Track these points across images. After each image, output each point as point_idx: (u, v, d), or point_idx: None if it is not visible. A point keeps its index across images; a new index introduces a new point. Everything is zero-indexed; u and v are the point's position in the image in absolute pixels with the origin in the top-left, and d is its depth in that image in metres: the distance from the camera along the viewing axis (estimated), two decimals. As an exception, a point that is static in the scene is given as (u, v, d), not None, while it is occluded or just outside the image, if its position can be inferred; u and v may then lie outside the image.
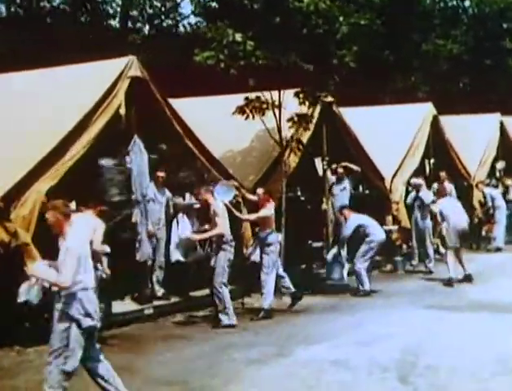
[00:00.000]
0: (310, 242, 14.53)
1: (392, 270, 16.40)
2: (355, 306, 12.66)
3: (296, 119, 13.41)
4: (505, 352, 9.20)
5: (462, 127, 21.99)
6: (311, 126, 14.41)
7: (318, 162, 15.11)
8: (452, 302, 12.78)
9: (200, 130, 13.68)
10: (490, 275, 15.59)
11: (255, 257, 12.52)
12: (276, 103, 13.16)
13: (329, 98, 14.75)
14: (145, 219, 11.41)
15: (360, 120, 17.53)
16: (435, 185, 18.60)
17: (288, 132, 13.69)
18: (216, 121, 14.23)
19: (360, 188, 16.51)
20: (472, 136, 21.66)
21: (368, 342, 9.99)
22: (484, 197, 20.01)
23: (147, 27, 31.48)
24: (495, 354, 9.07)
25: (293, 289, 12.43)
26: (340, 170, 15.67)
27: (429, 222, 16.40)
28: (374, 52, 28.34)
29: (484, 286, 14.39)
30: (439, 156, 19.16)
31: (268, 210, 12.23)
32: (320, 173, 15.15)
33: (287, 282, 12.40)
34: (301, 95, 13.44)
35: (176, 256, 11.92)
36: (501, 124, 22.53)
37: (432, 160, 18.98)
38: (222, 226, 11.22)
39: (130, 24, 30.92)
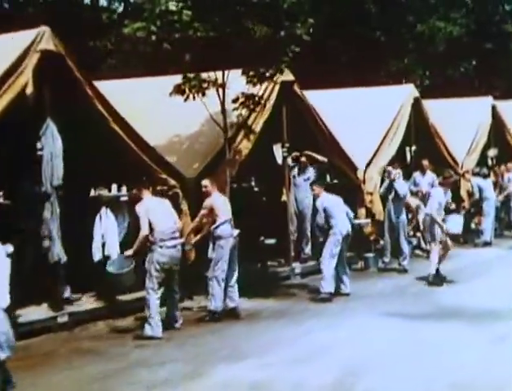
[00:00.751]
0: (262, 238, 12.95)
1: (363, 268, 14.87)
2: (307, 312, 11.16)
3: (242, 99, 11.85)
4: (466, 378, 7.66)
5: (450, 112, 20.47)
6: (268, 108, 12.90)
7: (277, 149, 13.57)
8: (418, 308, 11.22)
9: (143, 114, 12.32)
10: (472, 275, 14.08)
11: (211, 254, 10.95)
12: (220, 81, 11.61)
13: (289, 77, 13.25)
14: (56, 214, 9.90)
15: (334, 103, 16.08)
16: (416, 174, 17.07)
17: (236, 115, 12.16)
18: (165, 104, 12.73)
19: (328, 177, 14.87)
20: (461, 121, 20.03)
21: (305, 358, 8.55)
22: (472, 187, 18.40)
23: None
24: (453, 380, 7.57)
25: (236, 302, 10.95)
26: (303, 159, 14.14)
27: (404, 217, 14.86)
28: (365, 32, 26.78)
29: (462, 287, 12.88)
30: (423, 143, 17.57)
31: (210, 201, 10.78)
32: (279, 161, 13.62)
33: (234, 294, 10.92)
34: (250, 73, 11.86)
35: (98, 255, 10.50)
36: (493, 108, 20.85)
37: (414, 148, 17.39)
38: (144, 227, 9.78)
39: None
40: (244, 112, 12.21)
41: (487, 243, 17.96)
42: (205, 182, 11.09)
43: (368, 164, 15.57)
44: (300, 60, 12.40)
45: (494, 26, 36.36)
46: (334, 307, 11.48)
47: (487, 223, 18.04)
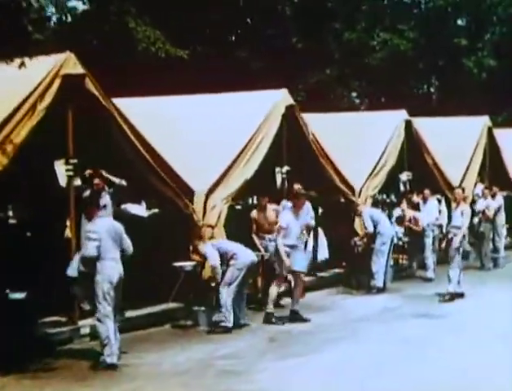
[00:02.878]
0: (7, 291, 9.21)
1: (191, 325, 11.23)
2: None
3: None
4: None
5: (354, 127, 17.14)
6: (40, 112, 9.34)
7: (58, 166, 9.96)
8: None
9: None
10: (322, 342, 10.15)
11: None
12: None
13: (77, 70, 9.71)
14: None
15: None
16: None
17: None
18: None
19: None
20: (366, 138, 16.65)
21: None
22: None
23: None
24: None
25: None
26: (96, 180, 10.58)
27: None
28: (278, 37, 23.31)
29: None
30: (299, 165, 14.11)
31: None
32: (62, 182, 9.98)
33: None
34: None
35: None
36: (408, 124, 17.34)
37: (286, 168, 13.80)
38: None
39: None
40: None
41: (379, 290, 14.37)
42: None
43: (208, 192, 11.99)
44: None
45: (445, 40, 33.10)
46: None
47: (379, 264, 14.43)
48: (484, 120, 20.93)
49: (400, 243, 15.93)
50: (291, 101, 13.68)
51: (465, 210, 13.42)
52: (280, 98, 13.49)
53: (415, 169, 17.35)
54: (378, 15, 31.87)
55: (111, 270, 8.84)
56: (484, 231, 17.92)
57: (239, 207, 12.98)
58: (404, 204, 16.78)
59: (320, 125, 16.22)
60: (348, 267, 15.02)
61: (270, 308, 11.44)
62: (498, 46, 33.93)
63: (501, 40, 34.21)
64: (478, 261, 18.03)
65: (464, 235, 13.50)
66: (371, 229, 14.41)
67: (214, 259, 10.88)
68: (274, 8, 22.68)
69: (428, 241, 16.02)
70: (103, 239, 8.87)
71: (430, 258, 15.89)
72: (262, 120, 13.05)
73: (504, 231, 20.74)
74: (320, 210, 14.79)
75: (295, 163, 13.80)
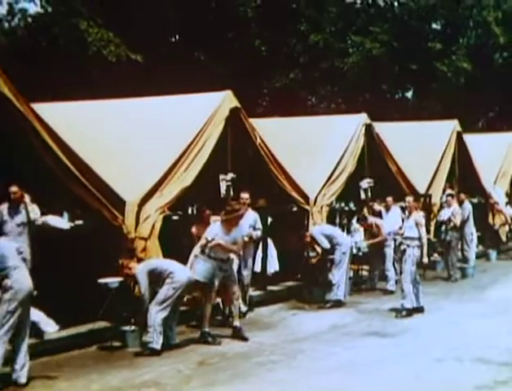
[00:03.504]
0: None
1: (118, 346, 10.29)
2: None
3: None
4: None
5: (312, 131, 16.31)
6: None
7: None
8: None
9: None
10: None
11: None
12: None
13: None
14: None
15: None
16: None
17: None
18: None
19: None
20: (324, 143, 15.82)
21: None
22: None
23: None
24: None
25: None
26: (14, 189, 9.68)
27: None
28: (240, 40, 22.39)
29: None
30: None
31: None
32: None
33: None
34: None
35: None
36: (368, 127, 16.47)
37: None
38: None
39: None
40: None
41: (339, 302, 13.46)
42: None
43: (141, 202, 11.05)
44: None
45: (419, 43, 32.31)
46: None
47: (339, 276, 13.51)
48: (453, 125, 20.14)
49: (360, 253, 15.02)
50: (236, 103, 12.75)
51: (417, 219, 12.56)
52: (223, 101, 12.57)
53: (377, 176, 16.51)
54: (350, 17, 31.09)
55: None
56: (451, 240, 17.06)
57: (176, 217, 12.02)
58: (366, 212, 15.95)
59: (276, 130, 15.47)
60: (301, 280, 14.12)
61: (205, 326, 10.54)
62: (474, 49, 33.27)
63: (476, 44, 33.64)
64: (446, 271, 17.18)
65: (421, 246, 12.61)
66: (327, 245, 13.50)
67: (143, 286, 9.97)
68: (235, 9, 21.74)
69: (389, 251, 15.12)
70: None
71: (392, 270, 15.00)
72: (204, 124, 12.13)
73: (474, 240, 20.02)
74: (270, 220, 13.85)
75: (242, 170, 12.91)
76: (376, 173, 16.48)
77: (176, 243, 11.57)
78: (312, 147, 15.47)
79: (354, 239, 14.91)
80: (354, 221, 15.82)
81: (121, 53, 19.32)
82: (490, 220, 21.84)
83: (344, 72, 28.81)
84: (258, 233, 12.47)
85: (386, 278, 15.00)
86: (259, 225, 12.51)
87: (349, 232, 15.72)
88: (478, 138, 23.04)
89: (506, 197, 22.53)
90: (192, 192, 12.03)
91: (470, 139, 21.49)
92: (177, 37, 21.95)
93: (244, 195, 12.43)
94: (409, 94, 37.72)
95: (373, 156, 16.49)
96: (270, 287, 13.71)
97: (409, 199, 13.27)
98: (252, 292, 13.01)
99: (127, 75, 19.48)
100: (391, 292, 14.80)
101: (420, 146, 19.11)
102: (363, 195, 16.35)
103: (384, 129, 18.45)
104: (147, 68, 20.56)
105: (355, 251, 14.63)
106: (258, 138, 13.12)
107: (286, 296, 13.82)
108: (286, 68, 24.02)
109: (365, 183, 16.30)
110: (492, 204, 21.50)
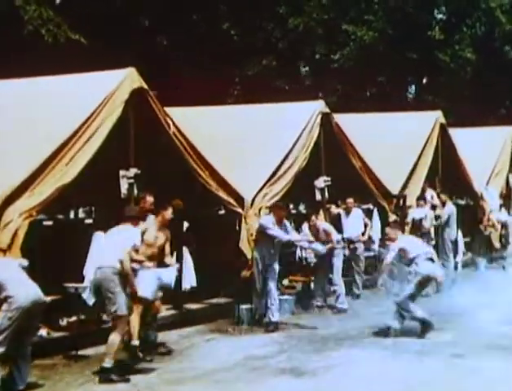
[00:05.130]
0: None
1: None
2: None
3: None
4: None
5: (256, 119, 14.10)
6: None
7: None
8: None
9: None
10: None
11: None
12: None
13: None
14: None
15: None
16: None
17: None
18: None
19: None
20: (270, 134, 13.58)
21: None
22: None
23: None
24: None
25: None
26: None
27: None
28: (206, 24, 20.12)
29: None
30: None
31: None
32: None
33: None
34: None
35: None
36: (325, 117, 14.10)
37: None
38: None
39: None
40: None
41: (271, 326, 11.18)
42: None
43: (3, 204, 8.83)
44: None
45: (418, 32, 29.93)
46: None
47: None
48: (436, 116, 17.77)
49: (304, 263, 12.78)
50: (140, 83, 10.47)
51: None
52: (123, 80, 10.30)
53: (337, 174, 14.22)
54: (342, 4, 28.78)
55: None
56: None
57: (49, 223, 9.79)
58: (321, 216, 13.65)
59: (212, 119, 13.31)
60: (228, 297, 11.88)
61: (107, 362, 8.32)
62: (480, 40, 30.91)
63: (483, 33, 31.29)
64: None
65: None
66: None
67: None
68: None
69: (337, 262, 12.77)
70: None
71: (340, 284, 12.68)
72: (96, 108, 9.88)
73: (461, 247, 17.78)
74: (186, 225, 11.60)
75: (152, 165, 10.69)
76: (336, 171, 14.19)
77: (49, 255, 9.34)
78: (255, 139, 13.22)
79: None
80: (304, 226, 13.52)
81: (61, 32, 17.19)
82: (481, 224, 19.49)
83: (334, 60, 26.65)
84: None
85: (334, 293, 12.71)
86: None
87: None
88: (471, 131, 20.70)
89: (501, 199, 20.14)
90: (79, 191, 9.85)
91: (460, 133, 19.22)
92: (130, 18, 19.70)
93: (150, 199, 10.13)
94: (412, 90, 35.56)
95: (333, 151, 14.20)
96: (187, 306, 11.42)
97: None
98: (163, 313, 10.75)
99: (68, 56, 17.35)
100: (344, 311, 12.55)
101: (396, 140, 16.78)
102: (318, 196, 14.04)
103: (353, 120, 16.25)
104: (97, 53, 18.42)
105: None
106: (172, 126, 10.86)
107: (209, 316, 11.54)
108: (261, 55, 21.76)
109: (321, 182, 13.98)
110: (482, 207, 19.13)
